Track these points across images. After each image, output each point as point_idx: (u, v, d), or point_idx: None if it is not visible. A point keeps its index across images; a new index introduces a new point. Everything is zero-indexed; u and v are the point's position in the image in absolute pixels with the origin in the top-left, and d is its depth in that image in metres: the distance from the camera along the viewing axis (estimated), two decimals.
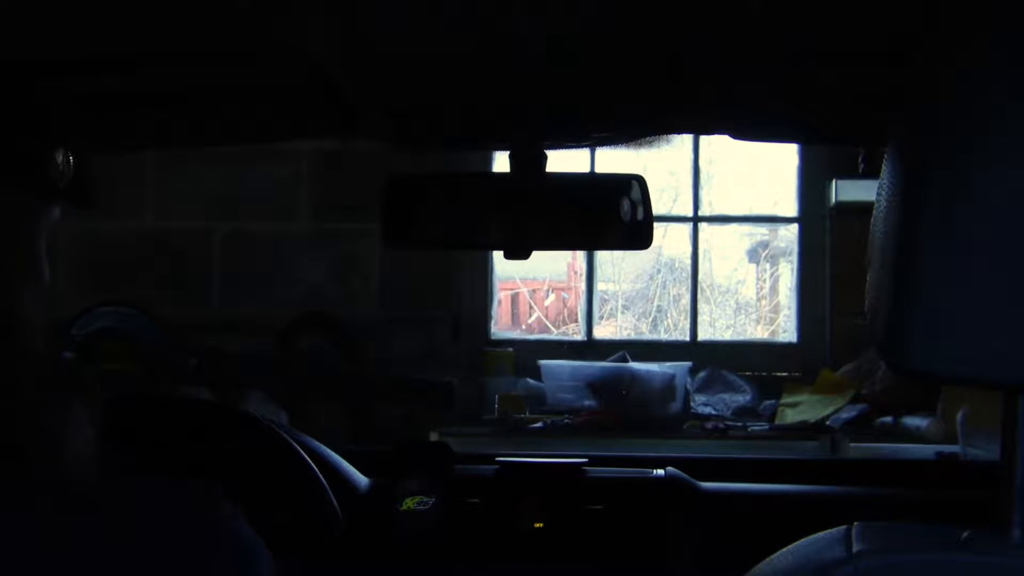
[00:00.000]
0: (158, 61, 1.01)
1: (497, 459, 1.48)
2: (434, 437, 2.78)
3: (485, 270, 3.46)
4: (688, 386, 3.13)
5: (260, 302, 3.33)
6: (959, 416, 2.80)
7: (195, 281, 3.41)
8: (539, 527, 1.40)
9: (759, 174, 3.77)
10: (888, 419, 2.91)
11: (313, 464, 1.37)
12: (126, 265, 3.17)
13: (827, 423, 2.92)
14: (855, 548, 0.63)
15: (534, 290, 4.05)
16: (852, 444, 2.79)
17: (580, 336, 3.65)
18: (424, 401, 3.12)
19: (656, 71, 1.04)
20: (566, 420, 3.01)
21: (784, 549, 0.69)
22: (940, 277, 0.58)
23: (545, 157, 1.34)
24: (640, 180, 1.35)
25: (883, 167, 0.64)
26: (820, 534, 0.68)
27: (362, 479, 1.47)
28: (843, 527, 0.66)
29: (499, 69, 1.04)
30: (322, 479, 1.35)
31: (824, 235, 3.38)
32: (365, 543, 1.38)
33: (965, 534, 0.62)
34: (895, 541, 0.63)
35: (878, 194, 0.64)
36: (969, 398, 2.68)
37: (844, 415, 2.93)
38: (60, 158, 0.75)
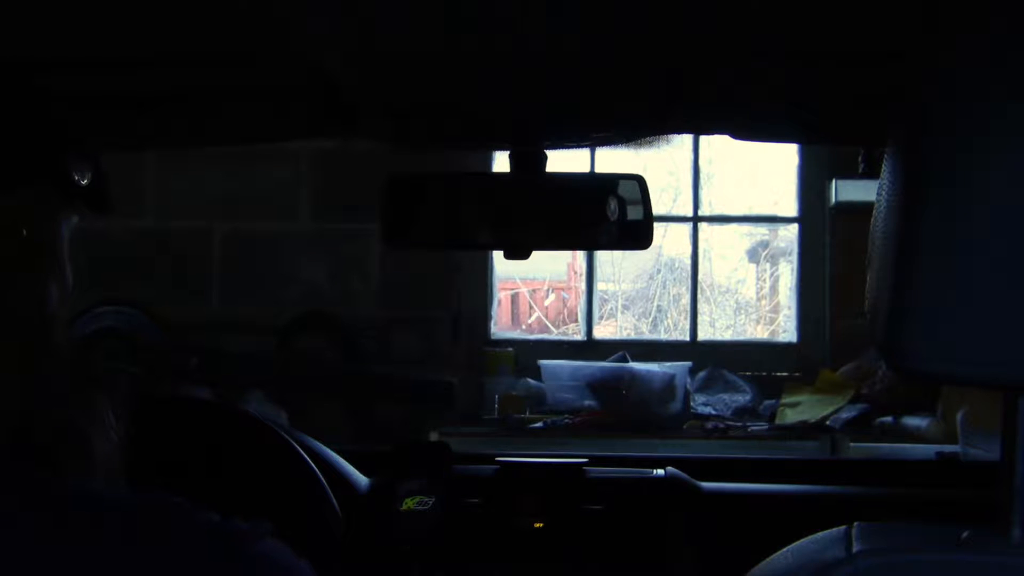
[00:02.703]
0: (158, 61, 1.01)
1: (497, 459, 1.48)
2: (434, 437, 2.78)
3: (485, 270, 3.45)
4: (688, 386, 3.12)
5: (260, 302, 3.32)
6: (959, 416, 2.79)
7: (195, 281, 3.40)
8: (539, 527, 1.40)
9: (759, 174, 3.76)
10: (888, 419, 2.90)
11: (313, 464, 1.37)
12: (126, 265, 3.17)
13: (827, 423, 2.91)
14: (855, 548, 0.63)
15: (534, 290, 4.03)
16: (852, 444, 2.79)
17: (580, 336, 3.64)
18: (424, 401, 3.12)
19: (656, 71, 1.04)
20: (566, 420, 3.00)
21: (784, 549, 0.69)
22: (940, 277, 0.58)
23: (545, 157, 1.34)
24: (640, 180, 1.35)
25: (883, 167, 0.64)
26: (820, 534, 0.68)
27: (362, 479, 1.47)
28: (843, 527, 0.66)
29: (499, 69, 1.04)
30: (322, 479, 1.35)
31: (824, 235, 3.38)
32: (365, 543, 1.38)
33: (965, 534, 0.62)
34: (895, 541, 0.63)
35: (878, 194, 0.65)
36: (969, 398, 2.67)
37: (844, 415, 2.93)
38: (78, 159, 0.76)
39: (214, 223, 3.39)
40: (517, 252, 1.39)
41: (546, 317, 4.03)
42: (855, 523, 0.66)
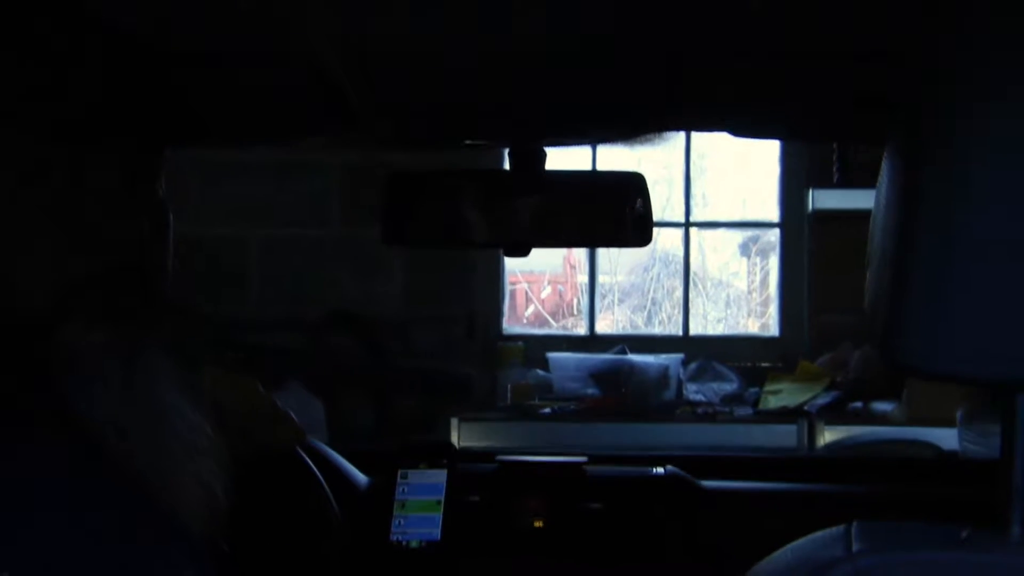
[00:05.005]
0: (157, 61, 1.01)
1: (497, 458, 1.48)
2: (454, 423, 3.07)
3: (497, 271, 3.71)
4: (681, 376, 3.35)
5: (293, 302, 3.56)
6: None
7: (235, 283, 3.64)
8: (539, 526, 1.40)
9: (746, 183, 3.96)
10: (858, 404, 3.14)
11: (313, 464, 1.37)
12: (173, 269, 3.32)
13: (805, 408, 3.14)
14: (854, 547, 0.63)
15: (531, 283, 4.17)
16: (827, 427, 3.03)
17: (583, 331, 3.85)
18: (444, 391, 3.36)
19: (656, 70, 1.04)
20: (571, 407, 3.22)
21: (784, 548, 0.69)
22: (938, 276, 0.58)
23: (544, 154, 1.34)
24: (639, 177, 1.35)
25: (882, 167, 0.64)
26: (820, 533, 0.68)
27: (362, 479, 1.47)
28: (842, 526, 0.66)
29: (499, 67, 1.04)
30: (322, 479, 1.35)
31: (803, 239, 3.62)
32: (365, 543, 1.38)
33: (964, 532, 0.62)
34: (894, 539, 0.63)
35: (877, 193, 0.65)
36: (931, 387, 2.82)
37: (820, 401, 3.16)
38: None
39: (252, 230, 3.65)
40: (517, 250, 1.39)
41: (544, 310, 4.17)
42: (854, 522, 0.66)
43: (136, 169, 0.77)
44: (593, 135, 1.40)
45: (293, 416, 1.23)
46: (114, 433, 0.71)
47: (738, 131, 1.31)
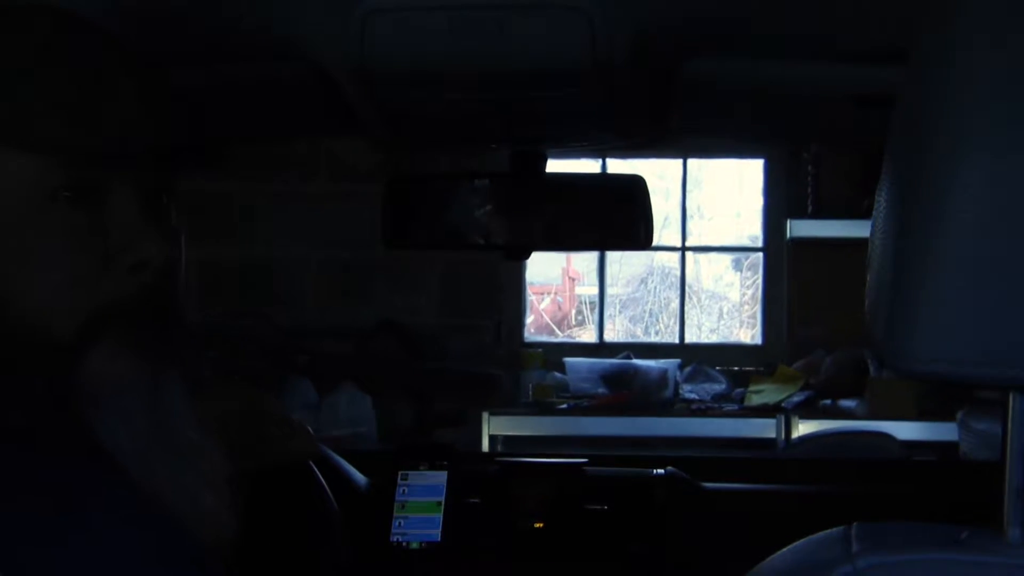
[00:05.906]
0: (158, 60, 1.02)
1: (497, 459, 1.48)
2: (485, 417, 3.66)
3: (520, 285, 4.20)
4: (677, 378, 3.91)
5: (347, 313, 4.02)
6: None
7: (297, 297, 4.11)
8: (539, 527, 1.40)
9: (740, 194, 4.40)
10: (828, 402, 3.71)
11: (313, 464, 1.36)
12: (245, 283, 3.98)
13: (782, 405, 3.72)
14: (854, 548, 0.63)
15: (535, 295, 4.52)
16: (801, 420, 3.59)
17: (589, 339, 4.40)
18: (475, 390, 3.89)
19: (656, 72, 1.04)
20: (584, 403, 3.79)
21: (784, 549, 0.69)
22: (939, 278, 0.58)
23: (545, 157, 1.34)
24: (640, 180, 1.35)
25: (883, 167, 0.64)
26: (819, 534, 0.68)
27: (362, 479, 1.47)
28: (842, 527, 0.66)
29: (499, 69, 1.04)
30: (322, 479, 1.35)
31: (783, 263, 4.11)
32: (366, 544, 1.38)
33: (963, 534, 0.62)
34: (893, 541, 0.63)
35: (878, 195, 0.64)
36: (892, 388, 3.43)
37: (795, 399, 3.74)
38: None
39: (311, 251, 4.13)
40: (517, 253, 1.39)
41: (550, 320, 4.63)
42: (854, 523, 0.66)
43: (153, 194, 0.77)
44: (594, 138, 1.39)
45: (308, 428, 1.24)
46: (136, 463, 0.71)
47: (739, 135, 1.31)
